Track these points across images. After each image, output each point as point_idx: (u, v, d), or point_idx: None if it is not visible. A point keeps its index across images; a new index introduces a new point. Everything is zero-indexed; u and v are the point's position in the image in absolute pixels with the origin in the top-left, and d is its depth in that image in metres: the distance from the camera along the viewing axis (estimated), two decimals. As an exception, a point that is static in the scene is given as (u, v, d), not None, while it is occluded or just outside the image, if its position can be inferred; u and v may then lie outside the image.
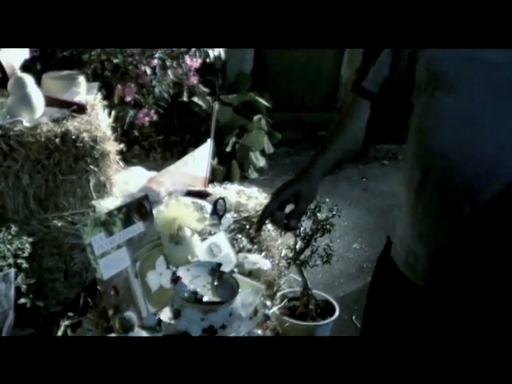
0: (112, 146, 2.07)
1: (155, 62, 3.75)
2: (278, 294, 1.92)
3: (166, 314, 1.39)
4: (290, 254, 2.06)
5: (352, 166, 4.89)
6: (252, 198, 2.25)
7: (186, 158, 2.29)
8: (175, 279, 1.35)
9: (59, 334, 1.47)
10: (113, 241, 1.46)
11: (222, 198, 1.98)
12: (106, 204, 1.89)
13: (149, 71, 3.73)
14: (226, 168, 4.46)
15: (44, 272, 1.82)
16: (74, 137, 1.94)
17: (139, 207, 1.55)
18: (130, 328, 1.43)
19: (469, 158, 1.16)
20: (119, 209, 1.51)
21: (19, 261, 1.65)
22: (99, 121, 2.07)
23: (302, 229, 2.04)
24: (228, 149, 4.50)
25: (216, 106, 2.43)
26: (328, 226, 2.09)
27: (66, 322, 1.49)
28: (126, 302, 1.46)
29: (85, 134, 1.96)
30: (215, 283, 1.37)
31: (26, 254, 1.68)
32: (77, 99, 2.15)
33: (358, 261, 3.67)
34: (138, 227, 1.53)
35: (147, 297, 1.51)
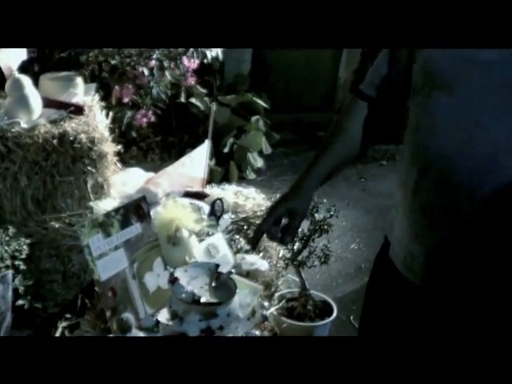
0: (110, 147, 2.07)
1: (153, 63, 3.75)
2: (276, 294, 1.92)
3: (163, 316, 1.39)
4: (288, 255, 2.07)
5: (350, 167, 4.89)
6: (250, 198, 2.25)
7: (184, 158, 2.29)
8: (173, 280, 1.35)
9: (57, 335, 1.47)
10: (110, 242, 1.46)
11: (220, 199, 1.98)
12: (104, 205, 1.89)
13: (146, 72, 3.73)
14: (224, 169, 4.46)
15: (42, 273, 1.82)
16: (71, 138, 1.94)
17: (137, 208, 1.55)
18: (127, 329, 1.43)
19: (466, 157, 1.16)
20: (117, 210, 1.51)
21: (17, 262, 1.65)
22: (97, 122, 2.08)
23: (299, 230, 2.04)
24: (226, 150, 4.50)
25: (214, 106, 2.42)
26: (326, 227, 2.10)
27: (64, 324, 1.49)
28: (123, 303, 1.45)
29: (82, 136, 1.96)
30: (213, 284, 1.37)
31: (23, 256, 1.68)
32: (74, 100, 2.15)
33: (356, 261, 3.66)
34: (136, 228, 1.53)
35: (145, 298, 1.51)
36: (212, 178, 3.49)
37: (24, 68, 2.21)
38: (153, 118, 4.02)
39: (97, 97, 2.33)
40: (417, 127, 1.27)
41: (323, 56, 5.46)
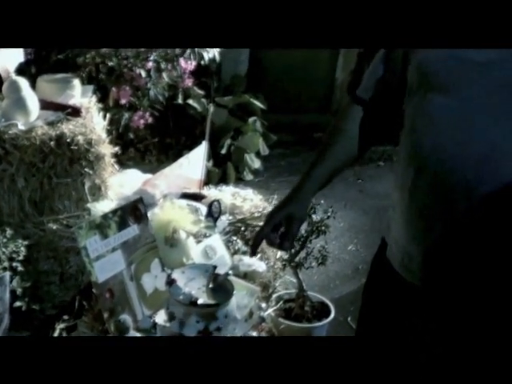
0: (107, 149, 2.07)
1: (150, 64, 3.76)
2: (274, 295, 1.92)
3: (161, 317, 1.39)
4: (286, 256, 2.06)
5: (348, 168, 4.88)
6: (247, 200, 2.25)
7: (181, 160, 2.29)
8: (170, 282, 1.35)
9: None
10: (108, 244, 1.46)
11: (217, 200, 1.98)
12: (101, 207, 1.89)
13: (144, 74, 3.74)
14: (221, 170, 4.46)
15: (39, 275, 1.81)
16: (68, 140, 1.94)
17: (134, 210, 1.55)
18: (125, 331, 1.43)
19: (462, 158, 1.16)
20: (114, 211, 1.51)
21: (14, 264, 1.65)
22: (94, 124, 2.08)
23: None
24: (223, 151, 4.50)
25: (211, 108, 2.43)
26: (323, 228, 2.10)
27: (62, 325, 1.49)
28: (121, 304, 1.46)
29: (80, 137, 1.96)
30: (210, 286, 1.38)
31: (21, 257, 1.68)
32: (71, 102, 2.15)
33: (354, 262, 3.66)
34: (133, 230, 1.53)
35: (142, 299, 1.51)
36: (209, 180, 3.48)
37: (21, 70, 2.22)
38: (150, 120, 4.03)
39: (94, 98, 2.33)
40: (413, 128, 1.27)
41: (320, 57, 5.46)
